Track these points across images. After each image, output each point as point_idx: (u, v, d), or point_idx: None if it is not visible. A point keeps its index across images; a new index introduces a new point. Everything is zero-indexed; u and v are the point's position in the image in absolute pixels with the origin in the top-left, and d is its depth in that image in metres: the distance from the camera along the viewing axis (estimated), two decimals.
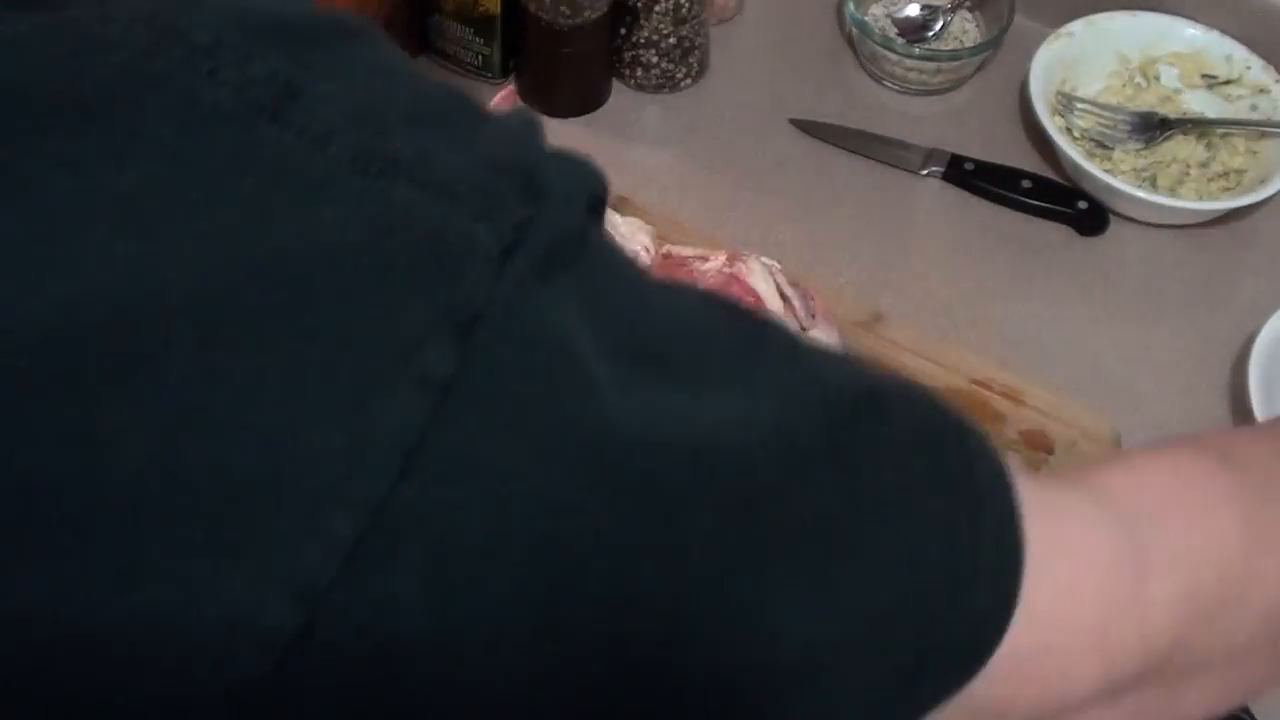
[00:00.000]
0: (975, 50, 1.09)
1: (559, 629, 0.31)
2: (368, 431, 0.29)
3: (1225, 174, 1.03)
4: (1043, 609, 0.39)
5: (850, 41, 1.13)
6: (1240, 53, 1.05)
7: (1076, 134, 1.05)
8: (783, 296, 0.83)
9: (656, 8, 1.02)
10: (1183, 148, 1.05)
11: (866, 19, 1.11)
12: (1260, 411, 0.84)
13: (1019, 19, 1.10)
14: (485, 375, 0.30)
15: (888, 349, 0.91)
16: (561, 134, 1.05)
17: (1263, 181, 0.99)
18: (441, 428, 0.29)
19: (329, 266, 0.29)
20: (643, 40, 1.05)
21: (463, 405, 0.30)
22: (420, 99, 0.33)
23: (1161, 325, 0.97)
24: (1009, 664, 0.39)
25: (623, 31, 1.05)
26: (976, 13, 1.12)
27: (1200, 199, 1.02)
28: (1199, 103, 1.07)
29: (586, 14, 1.00)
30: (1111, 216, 1.02)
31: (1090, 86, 1.07)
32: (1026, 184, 1.03)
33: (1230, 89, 1.05)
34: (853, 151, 1.06)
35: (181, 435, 0.28)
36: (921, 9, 1.13)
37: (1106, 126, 1.05)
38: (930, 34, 1.11)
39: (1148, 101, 1.07)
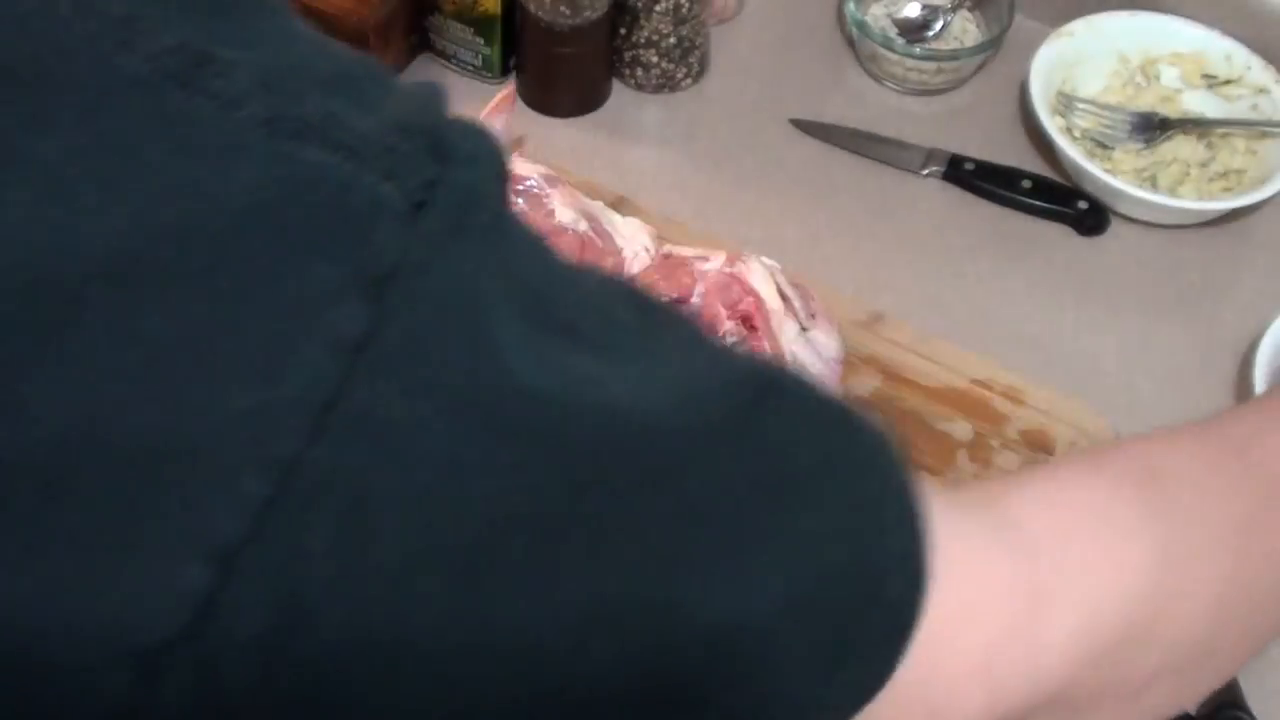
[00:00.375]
0: (975, 50, 1.09)
1: (471, 585, 0.32)
2: (278, 392, 0.29)
3: (1225, 174, 1.03)
4: (934, 627, 0.38)
5: (850, 41, 1.13)
6: (1241, 53, 1.04)
7: (1077, 134, 1.05)
8: (783, 296, 0.83)
9: (656, 8, 1.02)
10: (1183, 147, 1.04)
11: (866, 19, 1.11)
12: None
13: (1019, 19, 1.10)
14: (396, 335, 0.30)
15: (888, 349, 0.91)
16: (561, 134, 1.05)
17: (1263, 181, 0.98)
18: (353, 387, 0.30)
19: (239, 229, 0.30)
20: (643, 40, 1.04)
21: (375, 365, 0.30)
22: (330, 65, 0.33)
23: (1162, 325, 0.97)
24: (898, 685, 0.38)
25: (623, 31, 1.05)
26: (976, 13, 1.12)
27: (1200, 199, 1.01)
28: (1199, 103, 1.06)
29: (586, 14, 1.00)
30: (1112, 216, 1.02)
31: (1090, 86, 1.06)
32: (1026, 184, 1.03)
33: (1230, 89, 1.04)
34: (853, 151, 1.06)
35: (96, 399, 0.28)
36: (921, 9, 1.13)
37: (1107, 126, 1.05)
38: (930, 34, 1.11)
39: (1148, 101, 1.06)
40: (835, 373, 0.87)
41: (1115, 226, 1.02)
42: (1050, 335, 0.96)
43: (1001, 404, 0.88)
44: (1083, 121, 1.05)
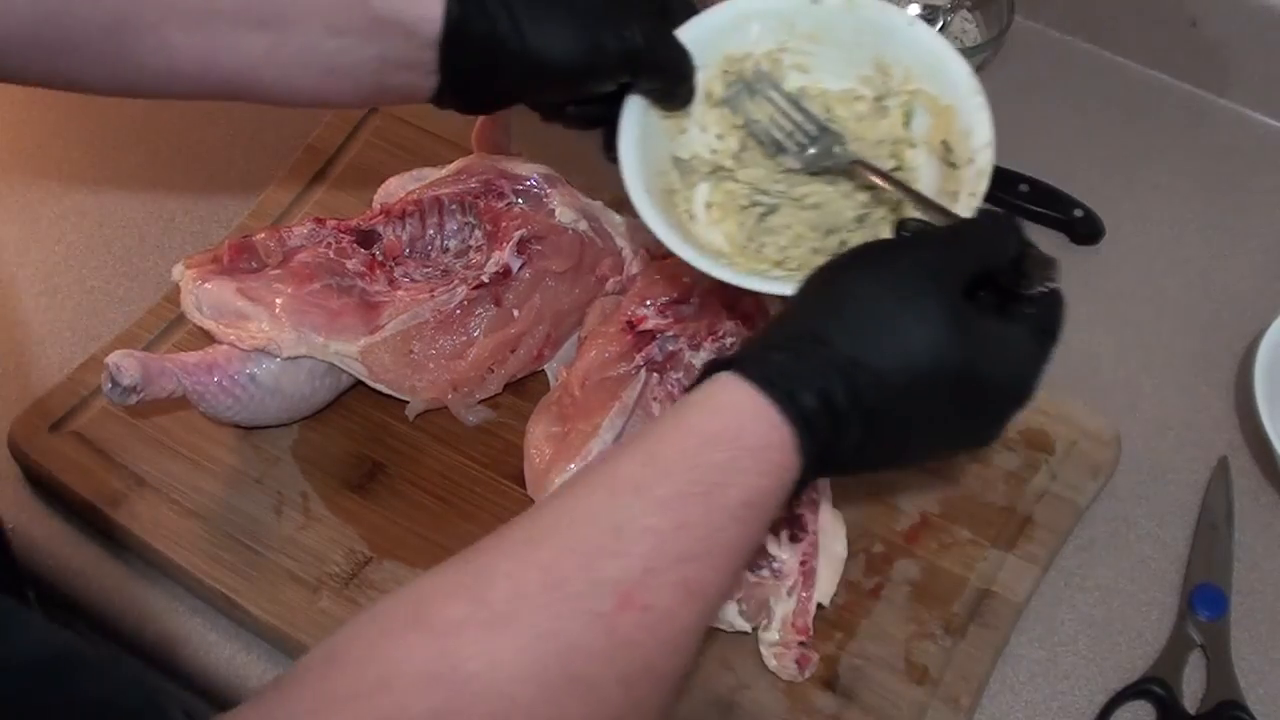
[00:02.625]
0: (975, 50, 1.09)
1: None
2: None
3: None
4: None
5: None
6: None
7: (740, 120, 0.80)
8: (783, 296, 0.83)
9: None
10: (825, 197, 0.79)
11: None
12: (1265, 410, 0.84)
13: (1019, 19, 1.10)
14: None
15: None
16: (561, 134, 1.05)
17: None
18: None
19: None
20: None
21: None
22: None
23: (1161, 325, 0.97)
24: None
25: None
26: (976, 13, 1.12)
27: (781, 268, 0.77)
28: (925, 168, 0.77)
29: None
30: (1108, 223, 1.02)
31: (827, 79, 0.81)
32: (1024, 188, 1.03)
33: (960, 174, 0.75)
34: None
35: None
36: (921, 9, 1.13)
37: (781, 132, 0.79)
38: None
39: (876, 131, 0.80)
40: None
41: (1113, 228, 1.02)
42: None
43: None
44: (758, 111, 0.80)
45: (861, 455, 0.61)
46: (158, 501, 0.83)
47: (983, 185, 0.73)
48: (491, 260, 0.87)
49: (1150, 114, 1.10)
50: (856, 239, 0.77)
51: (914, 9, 1.12)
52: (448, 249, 0.91)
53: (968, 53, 1.08)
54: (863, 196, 0.78)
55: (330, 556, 0.81)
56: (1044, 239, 1.02)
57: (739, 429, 0.57)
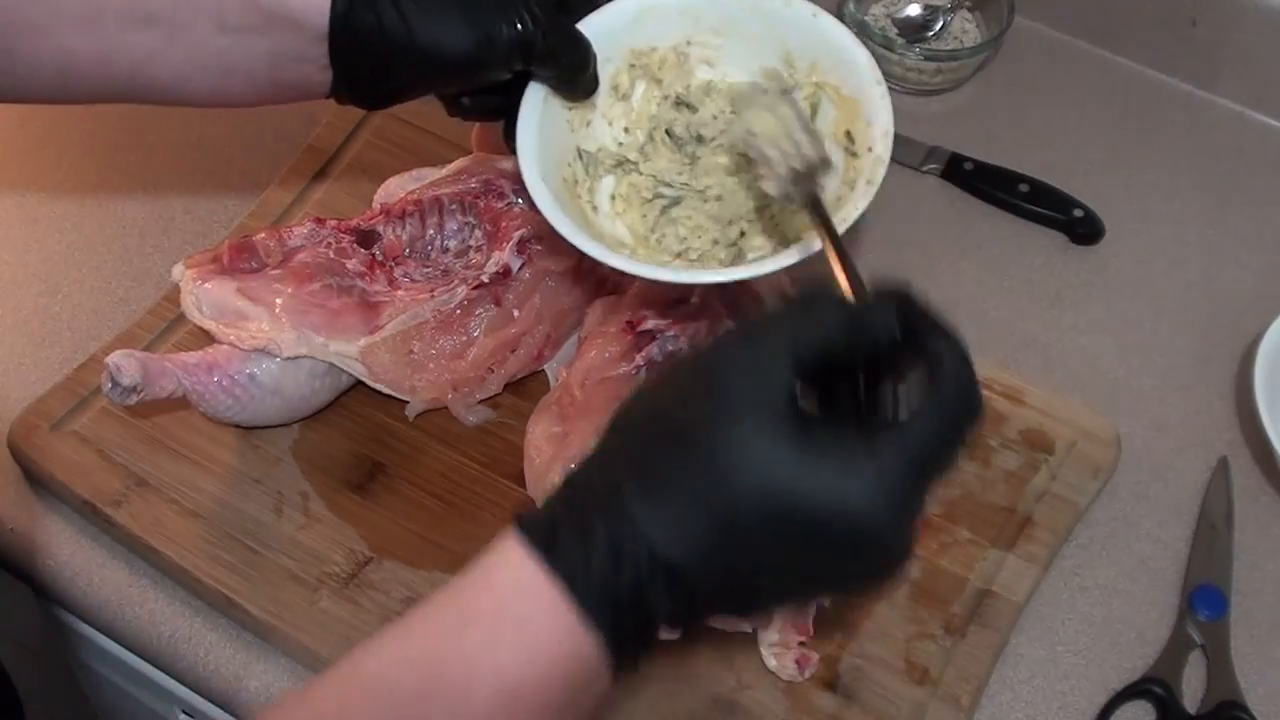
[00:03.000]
0: (975, 50, 1.09)
1: None
2: None
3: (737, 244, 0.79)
4: None
5: None
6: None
7: (647, 114, 0.81)
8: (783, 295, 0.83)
9: None
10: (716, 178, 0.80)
11: (866, 19, 1.11)
12: (1265, 410, 0.84)
13: (1019, 19, 1.10)
14: None
15: None
16: None
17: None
18: None
19: None
20: None
21: None
22: None
23: (1162, 325, 0.97)
24: None
25: None
26: (976, 13, 1.12)
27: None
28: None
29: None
30: (1108, 223, 1.02)
31: (734, 73, 0.80)
32: (1024, 188, 1.03)
33: (860, 162, 0.73)
34: None
35: None
36: (921, 9, 1.13)
37: (777, 151, 0.72)
38: (930, 34, 1.11)
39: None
40: None
41: (1113, 228, 1.02)
42: (1050, 335, 0.96)
43: (1001, 404, 0.88)
44: (759, 124, 0.72)
45: (697, 610, 0.53)
46: (158, 501, 0.83)
47: (879, 172, 0.72)
48: (491, 260, 0.87)
49: (1150, 114, 1.10)
50: (754, 230, 0.78)
51: (914, 9, 1.12)
52: (448, 249, 0.91)
53: (968, 53, 1.08)
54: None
55: (330, 556, 0.81)
56: (1044, 239, 1.02)
57: (502, 601, 0.52)
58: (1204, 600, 0.82)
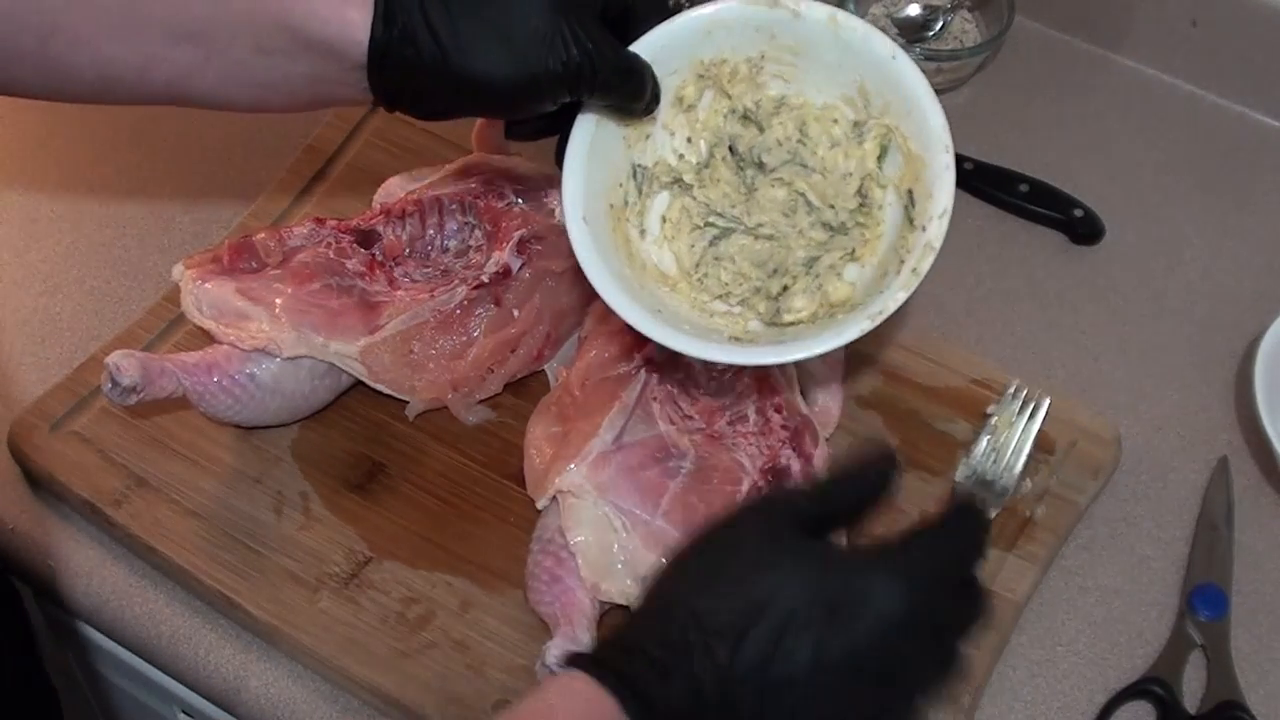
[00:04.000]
0: (975, 50, 1.09)
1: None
2: None
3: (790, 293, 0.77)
4: None
5: None
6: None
7: (711, 124, 0.77)
8: None
9: None
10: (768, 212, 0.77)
11: (866, 19, 1.10)
12: (1265, 411, 0.84)
13: (1019, 19, 1.10)
14: None
15: (888, 349, 0.91)
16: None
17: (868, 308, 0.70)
18: None
19: None
20: None
21: None
22: None
23: (1162, 325, 0.97)
24: None
25: None
26: (976, 13, 1.12)
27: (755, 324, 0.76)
28: (890, 213, 0.74)
29: None
30: (1108, 223, 1.02)
31: (810, 91, 0.76)
32: (1024, 188, 1.03)
33: (912, 239, 0.72)
34: None
35: None
36: (921, 9, 1.13)
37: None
38: (930, 34, 1.11)
39: (848, 161, 0.76)
40: (836, 372, 0.87)
41: (1113, 228, 1.02)
42: (1049, 335, 0.96)
43: None
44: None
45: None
46: (158, 501, 0.83)
47: (927, 262, 0.69)
48: (491, 260, 0.87)
49: (1150, 114, 1.10)
50: (799, 287, 0.75)
51: (914, 9, 1.12)
52: (448, 249, 0.91)
53: (968, 53, 1.08)
54: (818, 234, 0.76)
55: (330, 556, 0.81)
56: (1044, 239, 1.02)
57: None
58: (1204, 600, 0.82)
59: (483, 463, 0.85)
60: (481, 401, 0.87)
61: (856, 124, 0.75)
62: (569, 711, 0.54)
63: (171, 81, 0.67)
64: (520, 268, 0.87)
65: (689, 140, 0.77)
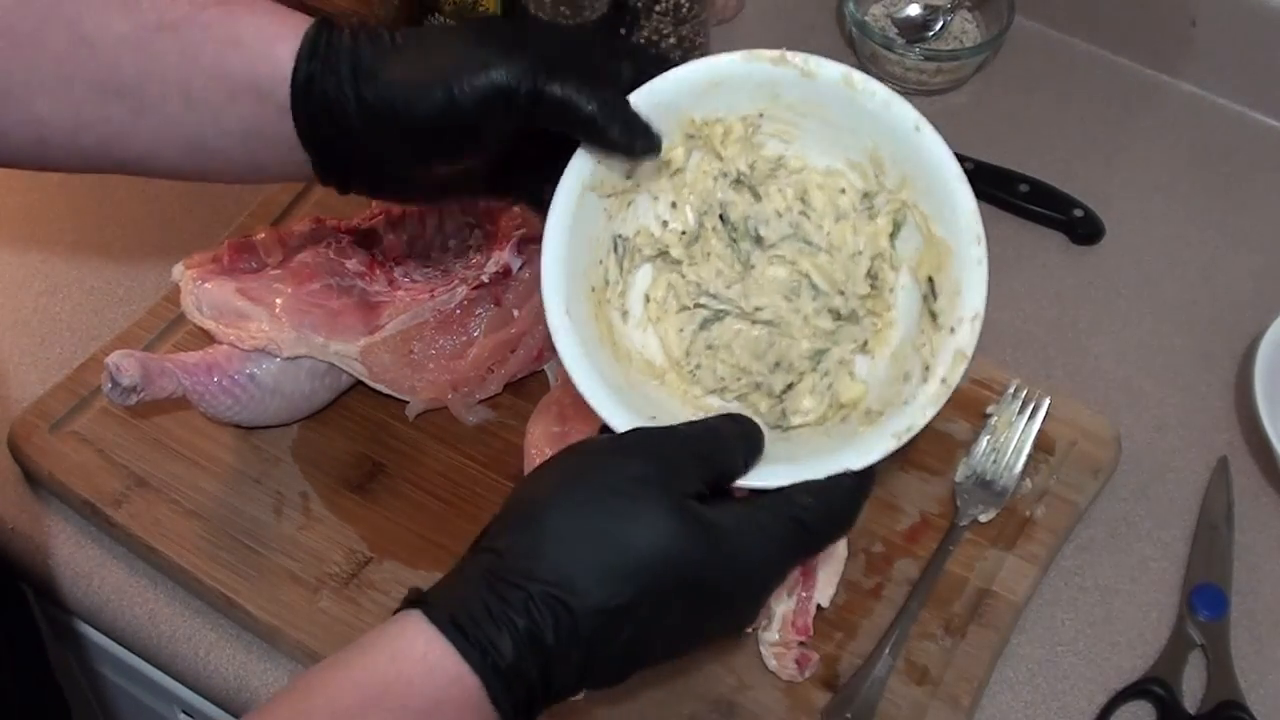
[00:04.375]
0: (975, 50, 1.09)
1: None
2: None
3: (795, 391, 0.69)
4: None
5: (850, 41, 1.13)
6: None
7: (699, 189, 0.69)
8: None
9: (656, 8, 1.02)
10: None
11: (866, 19, 1.11)
12: (1265, 411, 0.84)
13: (1019, 19, 1.10)
14: None
15: None
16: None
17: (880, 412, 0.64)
18: None
19: None
20: (643, 40, 1.04)
21: None
22: None
23: (1162, 325, 0.97)
24: None
25: (622, 31, 1.05)
26: (976, 13, 1.12)
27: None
28: (904, 298, 0.66)
29: (586, 14, 1.00)
30: (1108, 223, 1.02)
31: (811, 154, 0.68)
32: (1024, 188, 1.03)
33: (937, 340, 0.63)
34: None
35: None
36: (921, 9, 1.13)
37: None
38: (930, 34, 1.11)
39: (858, 238, 0.67)
40: None
41: (1113, 228, 1.02)
42: (1050, 335, 0.96)
43: None
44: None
45: (590, 678, 0.55)
46: (158, 501, 0.83)
47: (958, 372, 0.61)
48: (491, 260, 0.87)
49: (1150, 114, 1.10)
50: (805, 386, 0.67)
51: (914, 9, 1.12)
52: (448, 249, 0.91)
53: (968, 53, 1.08)
54: (825, 323, 0.68)
55: (330, 556, 0.81)
56: (1044, 239, 1.02)
57: (409, 683, 0.52)
58: (1204, 600, 0.81)
59: (483, 463, 0.85)
60: (481, 401, 0.87)
61: (866, 195, 0.67)
62: (425, 694, 0.52)
63: (104, 141, 0.64)
64: (520, 268, 0.87)
65: (673, 205, 0.68)
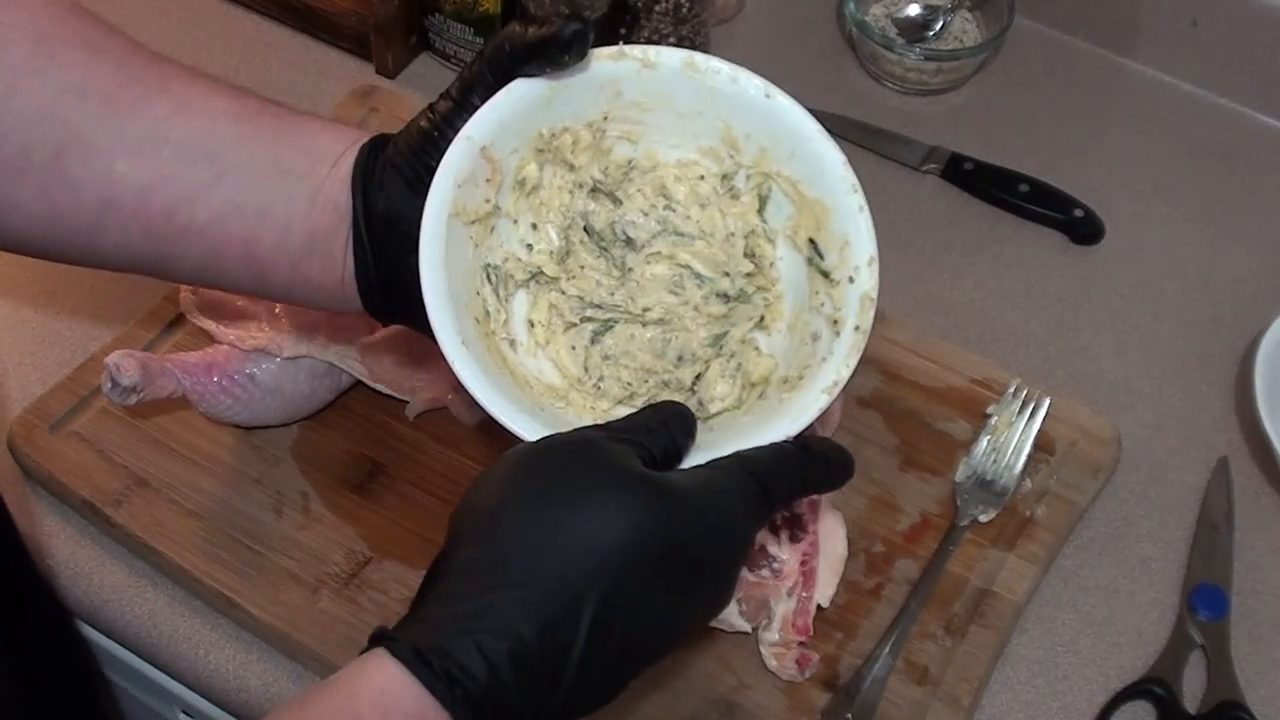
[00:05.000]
0: (975, 50, 1.09)
1: None
2: None
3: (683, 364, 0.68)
4: None
5: (850, 41, 1.13)
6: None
7: (556, 205, 0.68)
8: None
9: (656, 8, 1.02)
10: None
11: (866, 19, 1.11)
12: (1265, 411, 0.84)
13: (1019, 19, 1.10)
14: None
15: (888, 349, 0.91)
16: None
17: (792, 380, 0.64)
18: None
19: None
20: (643, 40, 1.04)
21: None
22: None
23: (1161, 325, 0.97)
24: None
25: (622, 31, 1.05)
26: (976, 13, 1.12)
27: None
28: (787, 269, 0.67)
29: (586, 14, 1.00)
30: (1108, 223, 1.02)
31: (661, 149, 0.67)
32: (1024, 188, 1.03)
33: (838, 292, 0.64)
34: (853, 143, 1.06)
35: None
36: (921, 9, 1.13)
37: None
38: (930, 34, 1.11)
39: (726, 221, 0.68)
40: None
41: (1113, 228, 1.02)
42: (1050, 335, 0.96)
43: None
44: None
45: (583, 692, 0.52)
46: (158, 501, 0.83)
47: (869, 316, 0.61)
48: None
49: (1150, 114, 1.10)
50: (714, 372, 0.66)
51: (914, 9, 1.12)
52: None
53: (968, 53, 1.08)
54: (716, 308, 0.67)
55: (330, 556, 0.81)
56: (1044, 239, 1.02)
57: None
58: (1204, 600, 0.82)
59: (483, 463, 0.85)
60: None
61: (725, 177, 0.67)
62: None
63: (173, 205, 0.63)
64: None
65: (534, 227, 0.66)
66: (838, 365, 0.61)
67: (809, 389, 0.61)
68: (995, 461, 0.84)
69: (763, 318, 0.67)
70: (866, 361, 0.89)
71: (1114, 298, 0.98)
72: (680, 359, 0.67)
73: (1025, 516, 0.83)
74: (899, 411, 0.88)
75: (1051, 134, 1.08)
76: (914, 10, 1.13)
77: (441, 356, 0.59)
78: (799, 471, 0.59)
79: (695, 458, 0.58)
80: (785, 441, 0.59)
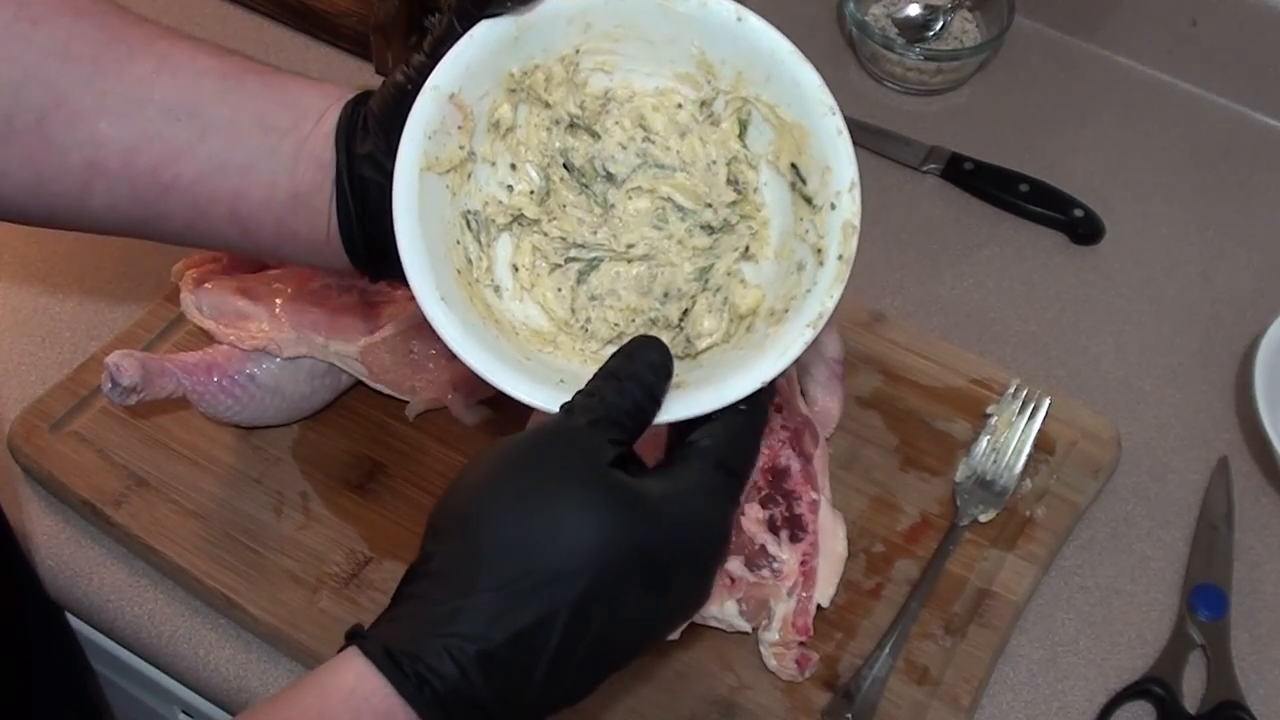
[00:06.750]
0: (975, 50, 1.09)
1: None
2: None
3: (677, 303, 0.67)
4: None
5: (850, 41, 1.13)
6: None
7: (533, 143, 0.66)
8: None
9: None
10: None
11: (866, 19, 1.11)
12: (1265, 411, 0.84)
13: (1019, 19, 1.10)
14: None
15: (888, 349, 0.91)
16: None
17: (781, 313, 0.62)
18: None
19: None
20: None
21: None
22: None
23: (1161, 325, 0.97)
24: None
25: None
26: (976, 13, 1.12)
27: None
28: (772, 195, 0.65)
29: None
30: (1108, 223, 1.02)
31: (636, 78, 0.66)
32: (1024, 188, 1.03)
33: (820, 219, 0.62)
34: (853, 144, 1.06)
35: None
36: (921, 9, 1.13)
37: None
38: (930, 34, 1.11)
39: (707, 148, 0.66)
40: (836, 373, 0.87)
41: (1113, 228, 1.02)
42: (1050, 335, 0.96)
43: None
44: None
45: (556, 690, 0.52)
46: (158, 501, 0.83)
47: (851, 245, 0.60)
48: None
49: (1150, 114, 1.10)
50: (701, 307, 0.65)
51: (914, 9, 1.12)
52: None
53: (968, 53, 1.08)
54: (700, 240, 0.66)
55: (330, 556, 0.81)
56: (1044, 239, 1.02)
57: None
58: (1204, 600, 0.82)
59: None
60: (481, 401, 0.87)
61: (703, 103, 0.65)
62: None
63: (158, 165, 0.63)
64: None
65: (513, 167, 0.65)
66: (821, 297, 0.59)
67: (794, 323, 0.59)
68: (995, 461, 0.84)
69: (748, 247, 0.65)
70: (866, 361, 0.90)
71: (1114, 298, 0.98)
72: (666, 295, 0.66)
73: (1025, 516, 0.83)
74: (899, 411, 0.88)
75: (1051, 134, 1.08)
76: (914, 10, 1.13)
77: (425, 317, 0.59)
78: (752, 433, 0.58)
79: (678, 402, 0.58)
80: (737, 404, 0.57)
